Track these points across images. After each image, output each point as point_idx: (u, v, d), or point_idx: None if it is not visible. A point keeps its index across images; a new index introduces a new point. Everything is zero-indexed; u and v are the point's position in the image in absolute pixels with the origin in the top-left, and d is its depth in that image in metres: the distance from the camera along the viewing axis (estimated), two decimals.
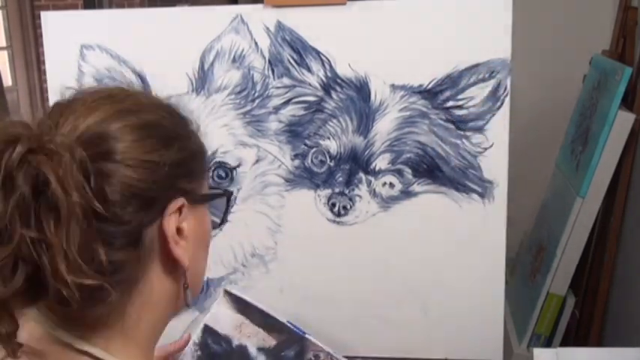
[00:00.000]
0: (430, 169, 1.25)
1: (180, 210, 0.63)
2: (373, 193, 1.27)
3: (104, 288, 0.55)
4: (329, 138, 1.26)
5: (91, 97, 0.62)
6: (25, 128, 0.56)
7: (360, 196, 1.27)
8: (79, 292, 0.53)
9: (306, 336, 1.20)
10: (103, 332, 0.60)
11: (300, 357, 1.17)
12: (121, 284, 0.59)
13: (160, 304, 0.65)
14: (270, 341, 1.18)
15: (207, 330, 1.18)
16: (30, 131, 0.55)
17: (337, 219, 1.29)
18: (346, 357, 1.24)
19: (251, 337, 1.18)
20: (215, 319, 1.19)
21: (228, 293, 1.22)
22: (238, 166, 1.29)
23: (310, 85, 1.26)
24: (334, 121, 1.26)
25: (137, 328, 0.63)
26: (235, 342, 1.18)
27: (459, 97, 1.22)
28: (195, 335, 1.17)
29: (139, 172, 0.59)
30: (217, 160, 1.28)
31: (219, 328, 1.18)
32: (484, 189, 1.25)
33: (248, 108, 1.28)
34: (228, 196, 0.75)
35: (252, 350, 1.17)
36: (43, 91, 4.12)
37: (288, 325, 1.20)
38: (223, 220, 0.76)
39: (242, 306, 1.21)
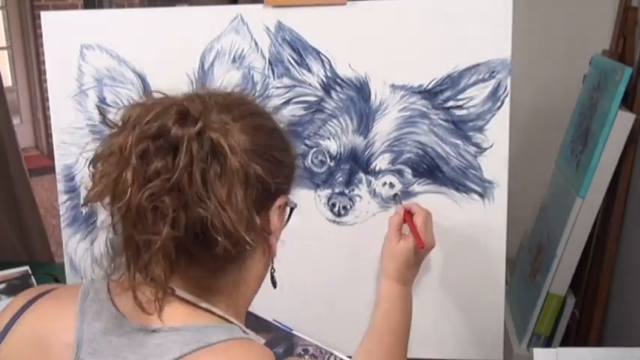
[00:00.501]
0: (430, 169, 1.25)
1: (281, 207, 0.75)
2: (373, 193, 1.27)
3: (250, 249, 0.69)
4: (329, 138, 1.26)
5: (225, 98, 0.72)
6: (191, 107, 0.66)
7: (360, 196, 1.27)
8: (239, 245, 0.65)
9: (294, 332, 1.20)
10: (219, 298, 0.72)
11: (290, 353, 1.17)
12: (240, 260, 0.72)
13: (255, 281, 0.78)
14: (259, 340, 1.18)
15: None
16: (196, 111, 0.65)
17: (337, 219, 1.29)
18: (346, 357, 1.24)
19: None
20: None
21: None
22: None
23: (310, 85, 1.26)
24: (334, 121, 1.26)
25: (241, 298, 0.75)
26: None
27: (459, 97, 1.22)
28: None
29: (268, 165, 0.69)
30: None
31: None
32: (484, 189, 1.25)
33: None
34: (293, 208, 0.84)
35: None
36: (43, 91, 4.13)
37: (274, 323, 1.20)
38: (286, 224, 0.85)
39: None
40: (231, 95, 0.75)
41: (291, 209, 0.83)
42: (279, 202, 0.75)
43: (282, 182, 0.74)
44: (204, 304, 0.70)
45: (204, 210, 0.63)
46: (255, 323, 1.20)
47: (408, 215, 1.13)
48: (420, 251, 1.10)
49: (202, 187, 0.62)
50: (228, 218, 0.63)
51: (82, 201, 1.32)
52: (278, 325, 1.19)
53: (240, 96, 0.76)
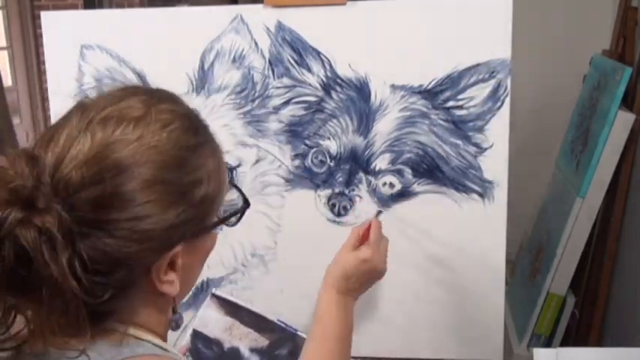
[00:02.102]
0: (430, 169, 1.25)
1: (174, 256, 0.62)
2: (373, 193, 1.27)
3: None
4: (329, 138, 1.26)
5: (112, 129, 0.58)
6: (24, 178, 0.54)
7: (360, 197, 1.27)
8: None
9: (298, 333, 1.20)
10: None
11: (294, 354, 1.17)
12: (111, 320, 0.61)
13: (160, 319, 0.66)
14: (263, 341, 1.18)
15: (197, 335, 1.17)
16: (28, 181, 0.54)
17: (337, 219, 1.29)
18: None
19: (242, 339, 1.18)
20: (203, 323, 1.18)
21: (215, 297, 1.21)
22: (238, 166, 1.29)
23: (310, 85, 1.26)
24: (334, 121, 1.26)
25: (147, 323, 0.65)
26: (227, 345, 1.17)
27: (459, 97, 1.22)
28: (185, 341, 1.16)
29: (131, 244, 0.57)
30: None
31: (209, 332, 1.17)
32: (484, 189, 1.25)
33: (248, 108, 1.28)
34: (244, 209, 0.73)
35: (245, 351, 1.17)
36: (43, 91, 4.12)
37: (279, 323, 1.20)
38: (236, 223, 0.74)
39: (231, 308, 1.20)
40: (110, 129, 0.58)
41: (242, 211, 0.72)
42: (168, 256, 0.61)
43: (164, 241, 0.60)
44: (109, 324, 0.62)
45: (19, 312, 0.56)
46: (260, 324, 1.20)
47: (368, 229, 1.09)
48: (364, 269, 1.01)
49: (15, 290, 0.55)
50: (42, 326, 0.56)
51: None
52: (282, 325, 1.19)
53: (125, 128, 0.58)
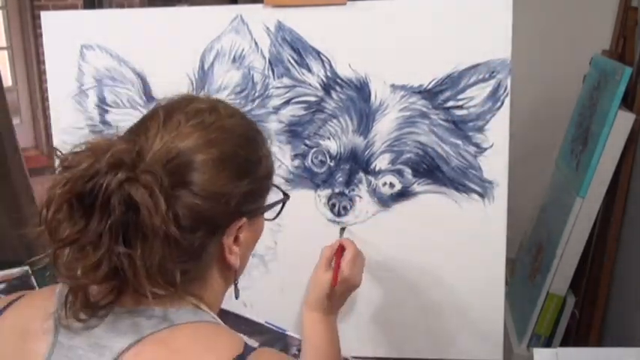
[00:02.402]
0: (430, 169, 1.25)
1: (240, 227, 0.73)
2: (373, 193, 1.27)
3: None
4: (329, 138, 1.26)
5: (185, 119, 0.70)
6: (126, 152, 0.65)
7: (360, 196, 1.27)
8: (154, 296, 0.65)
9: (287, 333, 1.20)
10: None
11: (285, 353, 1.17)
12: (185, 283, 0.69)
13: (217, 297, 0.77)
14: (252, 343, 1.17)
15: None
16: (129, 156, 0.65)
17: (337, 219, 1.29)
18: (346, 357, 1.24)
19: None
20: None
21: None
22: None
23: (310, 85, 1.26)
24: (334, 121, 1.26)
25: (211, 304, 0.74)
26: None
27: (459, 97, 1.22)
28: None
29: (210, 203, 0.68)
30: None
31: None
32: (484, 189, 1.25)
33: (248, 108, 1.28)
34: (285, 201, 0.84)
35: None
36: (43, 91, 4.12)
37: (267, 325, 1.20)
38: (277, 216, 0.84)
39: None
40: (189, 116, 0.72)
41: (284, 203, 0.83)
42: (235, 226, 0.73)
43: (232, 211, 0.71)
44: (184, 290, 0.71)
45: (120, 263, 0.64)
46: (248, 327, 1.20)
47: (340, 250, 1.12)
48: (344, 287, 1.08)
49: (119, 243, 0.63)
50: (138, 274, 0.64)
51: None
52: (271, 327, 1.19)
53: (200, 118, 0.72)
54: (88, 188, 0.63)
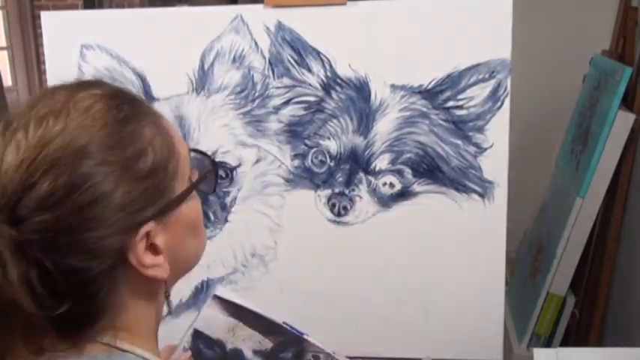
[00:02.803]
0: (430, 169, 1.25)
1: (144, 236, 0.58)
2: (373, 193, 1.27)
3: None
4: (329, 138, 1.26)
5: (22, 134, 0.56)
6: None
7: (360, 196, 1.27)
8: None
9: (304, 336, 1.19)
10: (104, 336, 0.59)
11: (299, 358, 1.16)
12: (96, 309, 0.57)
13: (143, 317, 0.63)
14: (267, 344, 1.17)
15: (198, 335, 1.16)
16: None
17: (337, 219, 1.29)
18: (346, 357, 1.24)
19: (246, 341, 1.17)
20: (205, 323, 1.17)
21: (218, 298, 1.20)
22: (238, 166, 1.29)
23: (310, 85, 1.26)
24: (334, 121, 1.26)
25: (135, 329, 0.61)
26: (229, 346, 1.16)
27: (459, 97, 1.22)
28: (185, 340, 1.15)
29: (88, 234, 0.54)
30: (217, 160, 1.28)
31: (211, 333, 1.16)
32: (484, 189, 1.25)
33: (248, 108, 1.28)
34: (213, 168, 0.69)
35: (248, 353, 1.16)
36: None
37: (285, 326, 1.19)
38: (215, 188, 0.71)
39: (235, 310, 1.18)
40: (29, 136, 0.55)
41: (214, 169, 0.69)
42: (139, 237, 0.57)
43: (121, 230, 0.56)
44: (99, 327, 0.58)
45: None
46: (265, 326, 1.19)
47: None
48: None
49: None
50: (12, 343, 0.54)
51: None
52: (288, 328, 1.18)
53: (41, 138, 0.55)
54: None
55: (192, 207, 0.64)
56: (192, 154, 0.67)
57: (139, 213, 0.57)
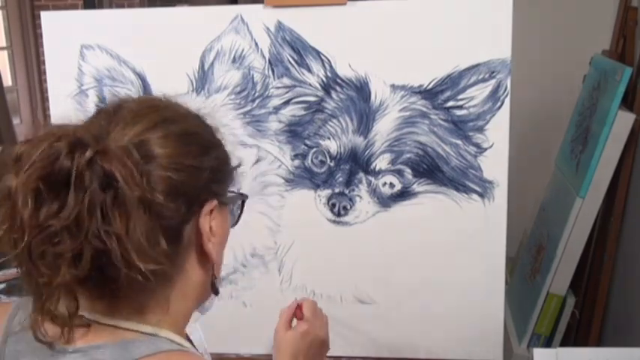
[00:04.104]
0: (430, 169, 1.25)
1: (212, 211, 0.70)
2: (373, 193, 1.27)
3: (165, 272, 0.63)
4: (329, 138, 1.26)
5: (137, 106, 0.69)
6: (85, 132, 0.62)
7: (360, 196, 1.27)
8: (149, 275, 0.60)
9: None
10: (149, 315, 0.67)
11: None
12: (165, 279, 0.66)
13: (194, 292, 0.72)
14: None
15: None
16: (90, 136, 0.61)
17: (337, 219, 1.29)
18: (346, 357, 1.24)
19: None
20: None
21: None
22: (238, 166, 1.29)
23: (310, 85, 1.26)
24: (334, 121, 1.26)
25: (179, 312, 0.70)
26: None
27: (459, 97, 1.22)
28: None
29: (182, 175, 0.65)
30: None
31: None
32: (484, 189, 1.25)
33: (248, 108, 1.28)
34: (244, 199, 0.81)
35: None
36: (43, 91, 4.12)
37: None
38: (238, 221, 0.82)
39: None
40: (141, 103, 0.71)
41: (243, 202, 0.81)
42: (208, 207, 0.69)
43: (204, 187, 0.69)
44: (124, 324, 0.65)
45: (103, 244, 0.59)
46: None
47: (299, 308, 1.07)
48: (306, 342, 1.00)
49: (100, 221, 0.59)
50: (127, 251, 0.59)
51: None
52: None
53: (151, 103, 0.72)
54: (55, 170, 0.59)
55: (228, 218, 0.77)
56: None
57: (214, 184, 0.71)
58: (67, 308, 0.61)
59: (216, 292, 0.75)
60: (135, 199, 0.60)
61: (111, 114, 0.67)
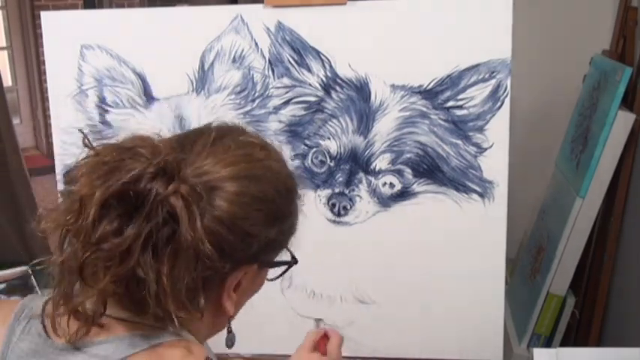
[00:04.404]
0: (430, 169, 1.25)
1: (246, 274, 0.68)
2: (373, 193, 1.27)
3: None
4: (329, 138, 1.26)
5: (235, 146, 0.67)
6: (171, 154, 0.62)
7: (360, 196, 1.27)
8: (175, 320, 0.61)
9: None
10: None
11: None
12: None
13: (201, 334, 0.70)
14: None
15: None
16: (174, 162, 0.61)
17: (337, 219, 1.29)
18: (346, 357, 1.24)
19: None
20: None
21: None
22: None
23: (310, 85, 1.26)
24: (334, 121, 1.26)
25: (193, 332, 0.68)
26: None
27: (459, 97, 1.22)
28: None
29: (233, 236, 0.63)
30: None
31: None
32: (484, 189, 1.25)
33: (248, 108, 1.28)
34: (293, 264, 0.77)
35: None
36: (43, 91, 4.13)
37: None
38: (277, 278, 0.78)
39: None
40: (239, 147, 0.68)
41: (290, 265, 0.76)
42: (246, 269, 0.67)
43: (252, 255, 0.67)
44: (138, 319, 0.65)
45: (145, 274, 0.59)
46: None
47: (325, 338, 1.07)
48: None
49: (150, 256, 0.59)
50: (164, 292, 0.59)
51: None
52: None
53: (249, 151, 0.69)
54: (133, 190, 0.59)
55: (265, 274, 0.74)
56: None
57: (265, 254, 0.69)
58: (94, 308, 0.62)
59: (230, 345, 0.74)
60: (187, 244, 0.59)
61: (209, 142, 0.66)
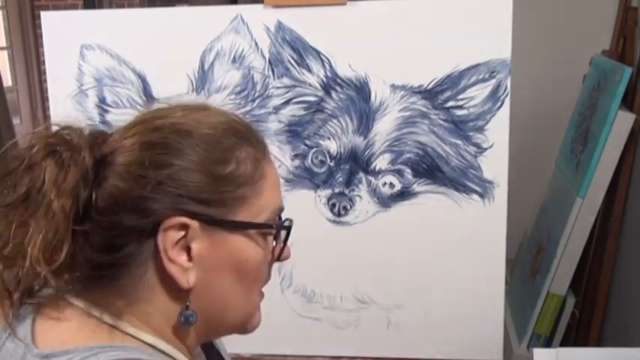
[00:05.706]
0: (430, 169, 1.25)
1: (183, 228, 0.61)
2: (373, 193, 1.27)
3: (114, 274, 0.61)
4: (329, 138, 1.26)
5: (143, 115, 0.66)
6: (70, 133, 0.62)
7: (360, 197, 1.27)
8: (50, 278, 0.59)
9: None
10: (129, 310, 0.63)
11: None
12: (114, 278, 0.62)
13: (161, 317, 0.64)
14: None
15: None
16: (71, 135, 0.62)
17: (337, 219, 1.29)
18: (347, 357, 1.24)
19: None
20: None
21: None
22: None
23: (310, 85, 1.26)
24: (334, 121, 1.26)
25: (151, 316, 0.63)
26: None
27: (459, 97, 1.22)
28: None
29: (129, 184, 0.60)
30: None
31: None
32: (484, 189, 1.25)
33: (248, 108, 1.28)
34: (283, 229, 0.68)
35: None
36: (43, 91, 4.12)
37: None
38: (277, 256, 0.70)
39: None
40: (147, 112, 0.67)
41: (287, 233, 0.69)
42: (170, 222, 0.60)
43: (166, 202, 0.60)
44: (107, 319, 0.62)
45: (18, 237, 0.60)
46: None
47: None
48: None
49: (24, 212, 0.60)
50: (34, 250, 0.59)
51: None
52: None
53: (153, 113, 0.67)
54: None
55: (249, 248, 0.65)
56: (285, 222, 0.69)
57: (191, 202, 0.61)
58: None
59: (184, 323, 0.63)
60: (48, 207, 0.59)
61: (126, 126, 0.66)
